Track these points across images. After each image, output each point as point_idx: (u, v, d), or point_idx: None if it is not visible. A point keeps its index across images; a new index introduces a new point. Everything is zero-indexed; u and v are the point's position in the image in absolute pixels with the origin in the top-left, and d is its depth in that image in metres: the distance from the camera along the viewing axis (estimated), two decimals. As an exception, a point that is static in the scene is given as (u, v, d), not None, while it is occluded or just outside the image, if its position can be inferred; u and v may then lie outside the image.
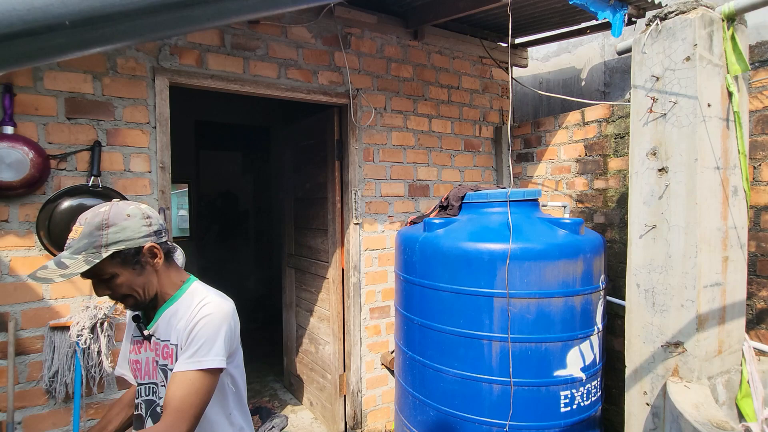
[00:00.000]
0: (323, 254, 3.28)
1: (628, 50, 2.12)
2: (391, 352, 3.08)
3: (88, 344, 2.10)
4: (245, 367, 1.38)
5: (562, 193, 3.17)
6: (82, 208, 2.08)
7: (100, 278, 1.16)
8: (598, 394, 2.22)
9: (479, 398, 2.07)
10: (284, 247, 4.02)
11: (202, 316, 1.18)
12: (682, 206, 1.83)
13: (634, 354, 2.02)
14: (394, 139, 3.12)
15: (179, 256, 1.37)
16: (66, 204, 2.10)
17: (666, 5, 1.93)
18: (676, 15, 1.85)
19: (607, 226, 2.88)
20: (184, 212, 8.44)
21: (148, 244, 1.18)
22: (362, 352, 3.05)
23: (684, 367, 1.84)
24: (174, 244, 1.33)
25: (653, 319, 1.94)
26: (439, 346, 2.19)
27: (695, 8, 1.82)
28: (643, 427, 1.96)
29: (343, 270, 3.08)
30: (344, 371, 3.11)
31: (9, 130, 1.99)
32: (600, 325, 2.19)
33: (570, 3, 2.24)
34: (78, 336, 2.08)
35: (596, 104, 2.91)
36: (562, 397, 2.06)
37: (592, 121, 2.97)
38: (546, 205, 2.53)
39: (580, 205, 3.05)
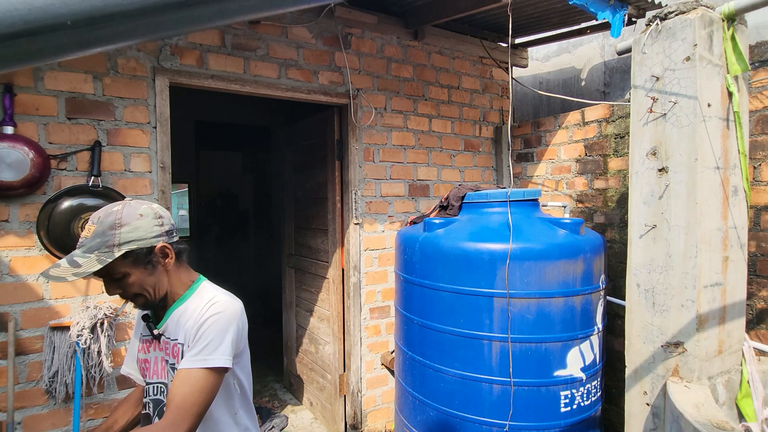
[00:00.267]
0: (323, 254, 3.28)
1: (628, 50, 2.12)
2: (391, 352, 3.08)
3: (88, 344, 2.10)
4: (247, 367, 1.38)
5: (562, 193, 3.17)
6: (83, 208, 2.11)
7: (112, 277, 1.16)
8: (598, 394, 2.22)
9: (479, 398, 2.07)
10: (284, 247, 4.02)
11: (211, 315, 1.18)
12: (682, 206, 1.83)
13: (634, 354, 2.02)
14: (394, 139, 3.12)
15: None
16: (66, 204, 2.10)
17: (666, 5, 1.93)
18: (676, 15, 1.85)
19: (607, 226, 2.88)
20: (184, 212, 8.44)
21: (159, 244, 1.19)
22: (362, 352, 3.05)
23: (684, 367, 1.84)
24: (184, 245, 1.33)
25: (653, 319, 1.94)
26: (439, 346, 2.19)
27: (695, 8, 1.82)
28: (643, 427, 1.96)
29: (343, 270, 3.08)
30: (344, 371, 3.11)
31: (9, 130, 1.99)
32: (600, 325, 2.19)
33: (570, 3, 2.24)
34: (78, 336, 2.08)
35: (596, 104, 2.91)
36: (562, 397, 2.06)
37: (592, 121, 2.97)
38: (546, 205, 2.53)
39: (580, 205, 3.05)
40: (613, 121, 2.84)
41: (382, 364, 3.11)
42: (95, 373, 2.14)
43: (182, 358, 1.19)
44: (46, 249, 2.09)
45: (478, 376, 2.07)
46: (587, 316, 2.12)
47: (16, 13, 0.48)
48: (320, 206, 3.30)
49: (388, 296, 3.12)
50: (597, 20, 2.58)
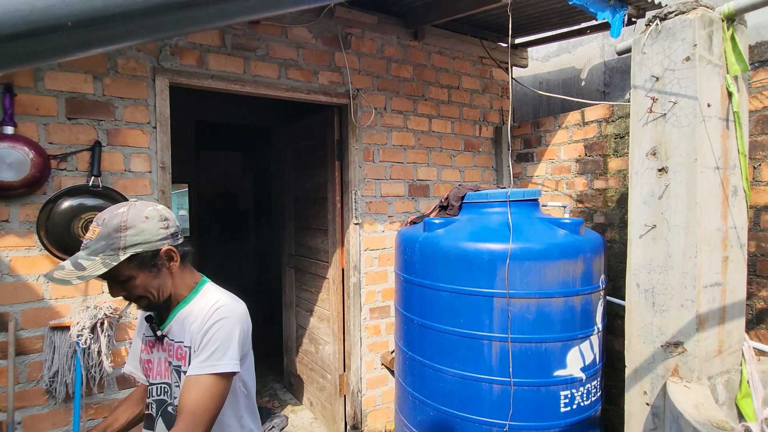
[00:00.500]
0: (323, 254, 3.28)
1: (628, 50, 2.12)
2: (391, 352, 3.08)
3: (88, 344, 2.10)
4: (249, 367, 1.38)
5: (562, 193, 3.17)
6: (83, 208, 2.12)
7: (116, 280, 1.16)
8: (598, 394, 2.22)
9: (479, 398, 2.07)
10: (284, 247, 4.02)
11: (217, 320, 1.18)
12: (682, 206, 1.83)
13: (634, 354, 2.02)
14: (394, 139, 3.12)
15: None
16: (66, 204, 2.10)
17: (666, 5, 1.93)
18: (676, 15, 1.85)
19: (607, 226, 2.88)
20: (184, 212, 8.44)
21: (165, 247, 1.18)
22: (362, 352, 3.05)
23: (684, 367, 1.84)
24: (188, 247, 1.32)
25: (653, 319, 1.94)
26: (439, 346, 2.19)
27: (695, 8, 1.82)
28: (643, 427, 1.96)
29: (343, 270, 3.08)
30: (344, 371, 3.12)
31: (9, 130, 1.99)
32: (600, 325, 2.19)
33: (570, 3, 2.24)
34: (78, 336, 2.08)
35: (596, 104, 2.92)
36: (562, 397, 2.06)
37: (592, 121, 2.98)
38: (546, 205, 2.53)
39: (580, 205, 3.05)
40: (613, 121, 2.84)
41: (382, 364, 3.11)
42: (95, 373, 2.14)
43: (189, 361, 1.19)
44: (46, 249, 2.10)
45: (478, 376, 2.07)
46: (587, 316, 2.12)
47: (18, 13, 0.48)
48: (320, 206, 3.30)
49: (388, 296, 3.12)
50: (597, 20, 2.58)
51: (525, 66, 3.65)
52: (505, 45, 3.48)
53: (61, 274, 1.09)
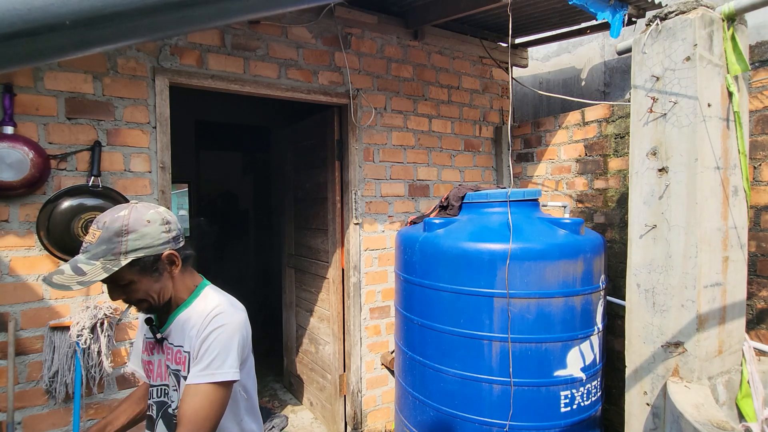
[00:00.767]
0: (323, 254, 3.28)
1: (628, 50, 2.12)
2: (391, 352, 3.08)
3: (88, 344, 2.10)
4: (250, 368, 1.37)
5: (562, 193, 3.17)
6: (83, 208, 2.11)
7: (117, 284, 1.14)
8: (598, 394, 2.22)
9: (479, 398, 2.07)
10: (284, 247, 4.02)
11: (215, 327, 1.17)
12: (682, 206, 1.83)
13: (634, 354, 2.02)
14: (394, 139, 3.12)
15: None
16: (66, 204, 2.10)
17: (666, 5, 1.93)
18: (676, 15, 1.85)
19: (607, 226, 2.88)
20: (184, 212, 8.44)
21: (166, 252, 1.17)
22: (362, 352, 3.05)
23: (684, 368, 1.84)
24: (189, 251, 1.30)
25: (653, 319, 1.94)
26: (439, 346, 2.19)
27: (695, 8, 1.82)
28: (644, 427, 1.96)
29: (343, 270, 3.08)
30: (344, 371, 3.11)
31: (9, 130, 1.99)
32: (600, 325, 2.19)
33: (570, 3, 2.24)
34: (78, 336, 2.08)
35: (596, 104, 2.91)
36: (562, 397, 2.06)
37: (592, 121, 2.97)
38: (546, 205, 2.53)
39: (580, 205, 3.05)
40: (613, 121, 2.84)
41: (382, 364, 3.11)
42: (95, 373, 2.14)
43: (188, 366, 1.18)
44: (46, 249, 2.10)
45: (478, 376, 2.07)
46: (587, 316, 2.12)
47: (16, 12, 0.48)
48: (320, 206, 3.29)
49: (388, 296, 3.12)
50: (597, 20, 2.58)
51: (525, 66, 3.65)
52: (505, 45, 3.47)
53: (60, 279, 1.08)
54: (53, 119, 2.12)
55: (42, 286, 2.12)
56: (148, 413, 1.32)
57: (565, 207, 2.48)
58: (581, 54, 3.67)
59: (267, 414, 3.41)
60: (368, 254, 3.04)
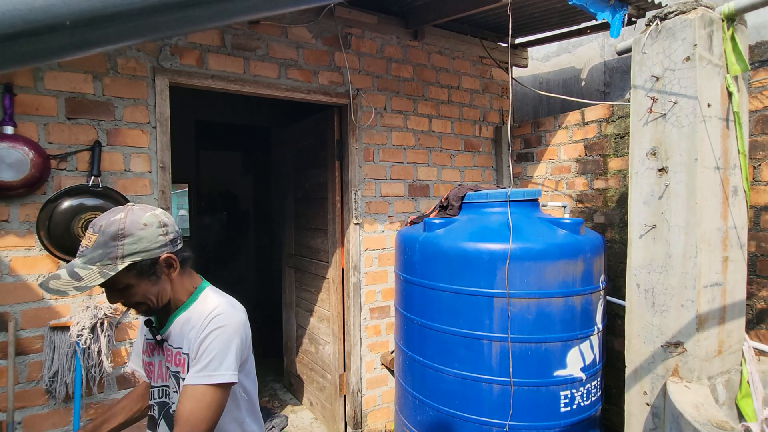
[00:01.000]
0: (323, 254, 3.28)
1: (628, 50, 2.12)
2: (391, 352, 3.08)
3: (88, 344, 2.10)
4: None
5: (562, 193, 3.17)
6: (83, 208, 2.11)
7: (115, 288, 1.14)
8: (598, 394, 2.22)
9: (479, 398, 2.07)
10: (284, 247, 4.02)
11: (213, 329, 1.16)
12: (682, 206, 1.83)
13: (634, 354, 2.02)
14: (394, 139, 3.12)
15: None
16: (66, 204, 2.10)
17: (666, 5, 1.93)
18: (676, 15, 1.85)
19: (607, 226, 2.88)
20: (184, 212, 8.44)
21: (164, 255, 1.16)
22: (362, 352, 3.05)
23: (684, 367, 1.84)
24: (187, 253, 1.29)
25: (653, 319, 1.94)
26: (439, 346, 2.19)
27: (695, 8, 1.82)
28: (643, 427, 1.96)
29: (343, 270, 3.08)
30: (344, 371, 3.11)
31: (9, 130, 1.99)
32: (600, 325, 2.19)
33: (570, 3, 2.24)
34: (78, 336, 2.08)
35: (596, 104, 2.91)
36: (562, 397, 2.06)
37: (592, 121, 2.97)
38: (546, 205, 2.53)
39: (580, 205, 3.05)
40: (613, 121, 2.84)
41: (382, 364, 3.11)
42: (95, 373, 2.14)
43: (187, 368, 1.18)
44: (46, 249, 2.10)
45: (478, 376, 2.07)
46: (587, 316, 2.12)
47: (16, 13, 0.48)
48: (320, 206, 3.30)
49: (388, 296, 3.12)
50: (597, 20, 2.58)
51: (525, 66, 3.65)
52: (505, 45, 3.47)
53: (56, 284, 1.07)
54: (53, 119, 2.12)
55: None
56: (150, 414, 1.32)
57: (565, 207, 2.48)
58: (581, 54, 3.67)
59: (267, 414, 3.41)
60: (368, 254, 3.04)
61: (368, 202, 3.02)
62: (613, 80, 3.42)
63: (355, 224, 2.98)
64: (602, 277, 2.21)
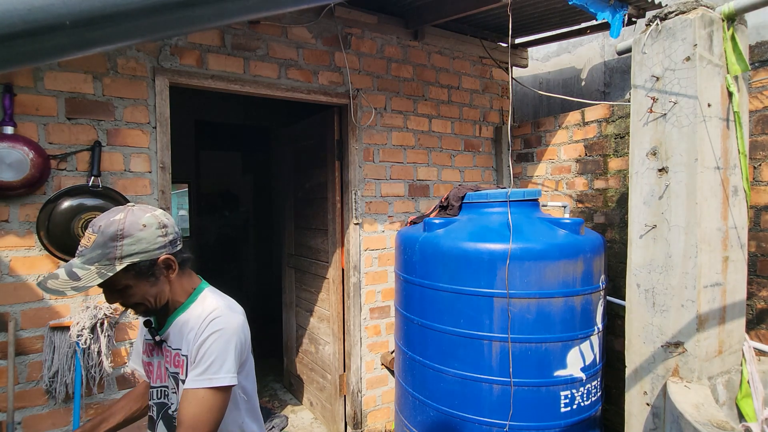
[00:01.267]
0: (323, 254, 3.28)
1: (628, 50, 2.12)
2: (391, 352, 3.08)
3: (88, 344, 2.10)
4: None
5: (562, 193, 3.17)
6: (83, 208, 2.11)
7: (113, 288, 1.14)
8: (598, 394, 2.22)
9: (479, 398, 2.07)
10: (284, 247, 4.02)
11: (212, 332, 1.16)
12: (682, 206, 1.83)
13: (634, 354, 2.02)
14: (394, 139, 3.12)
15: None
16: (66, 204, 2.10)
17: (666, 5, 1.93)
18: (676, 15, 1.85)
19: (607, 226, 2.88)
20: (184, 212, 8.44)
21: (163, 256, 1.16)
22: (362, 352, 3.05)
23: (684, 368, 1.84)
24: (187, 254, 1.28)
25: (653, 319, 1.94)
26: (439, 346, 2.19)
27: (695, 8, 1.82)
28: (643, 427, 1.96)
29: (343, 270, 3.08)
30: (344, 371, 3.11)
31: (9, 130, 1.99)
32: (600, 325, 2.19)
33: (570, 3, 2.24)
34: (78, 336, 2.08)
35: (596, 104, 2.91)
36: (562, 397, 2.06)
37: (592, 121, 2.97)
38: (546, 205, 2.53)
39: (580, 205, 3.05)
40: (613, 121, 2.84)
41: (382, 364, 3.11)
42: (95, 373, 2.14)
43: (186, 370, 1.18)
44: (46, 249, 2.10)
45: (478, 376, 2.07)
46: (587, 316, 2.12)
47: (16, 13, 0.48)
48: (320, 206, 3.29)
49: (388, 296, 3.12)
50: (597, 20, 2.58)
51: (525, 66, 3.65)
52: (505, 45, 3.47)
53: (54, 284, 1.07)
54: (53, 119, 2.12)
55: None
56: (149, 414, 1.33)
57: (565, 207, 2.48)
58: (581, 54, 3.67)
59: (267, 414, 3.41)
60: (368, 254, 3.04)
61: (368, 202, 3.02)
62: (613, 80, 3.42)
63: (355, 224, 2.98)
64: (602, 277, 2.21)
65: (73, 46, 0.53)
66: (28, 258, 2.08)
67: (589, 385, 2.13)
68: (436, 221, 2.30)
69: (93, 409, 2.21)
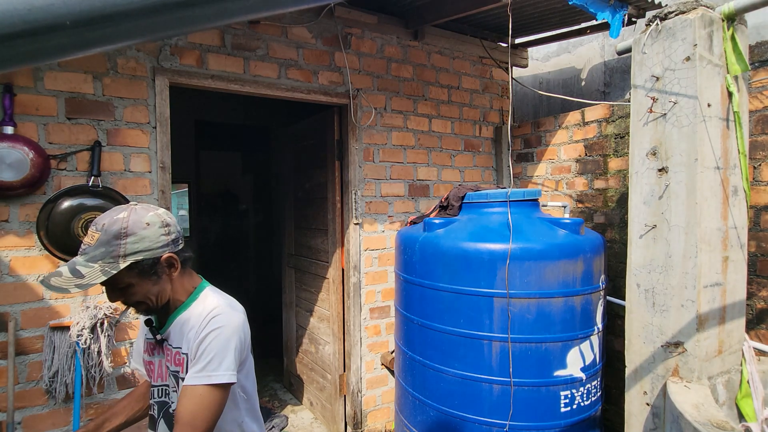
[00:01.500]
0: (323, 254, 3.28)
1: (628, 50, 2.12)
2: (391, 352, 3.08)
3: (88, 344, 2.10)
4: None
5: (562, 193, 3.17)
6: (83, 208, 2.11)
7: (116, 286, 1.14)
8: (598, 394, 2.22)
9: (479, 398, 2.07)
10: (284, 247, 4.02)
11: (212, 329, 1.16)
12: (682, 206, 1.83)
13: (634, 354, 2.02)
14: (394, 139, 3.12)
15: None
16: (66, 204, 2.10)
17: (666, 5, 1.93)
18: (676, 15, 1.85)
19: (607, 226, 2.88)
20: (184, 212, 8.43)
21: (165, 255, 1.16)
22: (362, 352, 3.05)
23: (684, 367, 1.84)
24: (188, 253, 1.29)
25: (653, 319, 1.94)
26: (439, 346, 2.19)
27: (695, 8, 1.82)
28: (643, 427, 1.96)
29: (343, 270, 3.08)
30: (344, 371, 3.11)
31: (9, 130, 1.99)
32: (600, 325, 2.19)
33: (570, 3, 2.24)
34: (78, 336, 2.08)
35: (596, 104, 2.91)
36: (562, 397, 2.06)
37: (592, 121, 2.97)
38: (546, 205, 2.53)
39: (580, 205, 3.05)
40: (613, 121, 2.84)
41: (382, 364, 3.11)
42: (95, 373, 2.14)
43: (187, 368, 1.18)
44: (46, 249, 2.09)
45: (478, 376, 2.07)
46: (587, 316, 2.12)
47: (16, 13, 0.48)
48: (320, 206, 3.29)
49: (388, 296, 3.12)
50: (597, 20, 2.58)
51: (525, 66, 3.65)
52: (505, 45, 3.47)
53: (58, 281, 1.07)
54: (53, 119, 2.12)
55: (42, 286, 2.11)
56: (150, 413, 1.33)
57: (565, 207, 2.48)
58: (581, 54, 3.67)
59: (267, 414, 3.41)
60: (368, 254, 3.04)
61: (368, 202, 3.02)
62: (613, 80, 3.42)
63: (355, 224, 2.98)
64: (602, 277, 2.21)
65: (74, 46, 0.53)
66: (28, 258, 2.08)
67: (589, 385, 2.13)
68: (436, 221, 2.30)
69: (93, 409, 2.21)
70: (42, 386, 2.09)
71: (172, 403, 1.25)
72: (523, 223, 2.16)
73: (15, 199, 2.04)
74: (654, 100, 1.91)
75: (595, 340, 2.16)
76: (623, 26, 2.44)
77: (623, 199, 2.75)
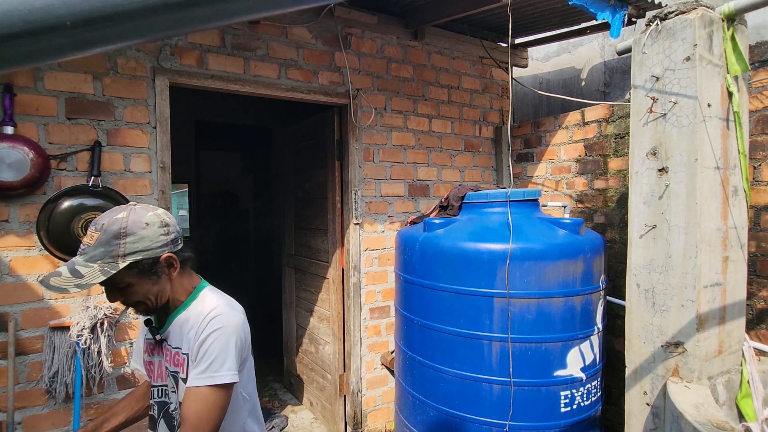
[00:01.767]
0: (323, 254, 3.28)
1: (628, 50, 2.12)
2: (391, 352, 3.08)
3: (88, 344, 2.10)
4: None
5: (562, 193, 3.17)
6: (83, 208, 2.12)
7: (115, 286, 1.14)
8: (598, 394, 2.22)
9: (479, 398, 2.07)
10: (284, 247, 4.02)
11: (212, 330, 1.16)
12: (682, 206, 1.83)
13: (634, 354, 2.02)
14: (394, 139, 3.12)
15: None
16: (66, 204, 2.10)
17: (666, 5, 1.93)
18: (676, 15, 1.85)
19: (607, 226, 2.88)
20: (184, 212, 8.44)
21: (165, 254, 1.16)
22: (362, 352, 3.05)
23: (684, 368, 1.84)
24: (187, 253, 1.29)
25: (653, 319, 1.94)
26: (439, 347, 2.19)
27: (695, 8, 1.82)
28: (643, 427, 1.96)
29: (343, 270, 3.08)
30: (344, 371, 3.11)
31: (9, 130, 1.99)
32: (600, 325, 2.19)
33: (570, 3, 2.24)
34: (78, 336, 2.08)
35: (596, 104, 2.91)
36: (562, 398, 2.06)
37: (592, 121, 2.97)
38: (546, 205, 2.53)
39: (580, 205, 3.05)
40: (613, 121, 2.84)
41: (382, 364, 3.11)
42: (95, 373, 2.14)
43: (187, 368, 1.18)
44: (46, 249, 2.09)
45: (478, 376, 2.07)
46: (587, 316, 2.12)
47: (17, 13, 0.48)
48: (320, 206, 3.29)
49: (388, 296, 3.12)
50: (597, 20, 2.58)
51: (525, 66, 3.65)
52: (505, 45, 3.47)
53: (57, 281, 1.07)
54: (53, 119, 2.12)
55: (42, 286, 2.11)
56: (150, 413, 1.33)
57: (565, 207, 2.48)
58: (581, 54, 3.67)
59: (267, 414, 3.41)
60: (368, 254, 3.04)
61: (368, 202, 3.02)
62: (613, 80, 3.42)
63: (355, 224, 2.98)
64: (602, 277, 2.21)
65: (74, 47, 0.54)
66: (28, 258, 2.08)
67: (589, 385, 2.13)
68: (436, 221, 2.30)
69: (93, 409, 2.21)
70: (42, 386, 2.09)
71: (171, 402, 1.25)
72: (523, 223, 2.16)
73: (15, 199, 2.04)
74: (654, 100, 1.91)
75: (595, 340, 2.16)
76: (623, 26, 2.44)
77: (623, 199, 2.75)
